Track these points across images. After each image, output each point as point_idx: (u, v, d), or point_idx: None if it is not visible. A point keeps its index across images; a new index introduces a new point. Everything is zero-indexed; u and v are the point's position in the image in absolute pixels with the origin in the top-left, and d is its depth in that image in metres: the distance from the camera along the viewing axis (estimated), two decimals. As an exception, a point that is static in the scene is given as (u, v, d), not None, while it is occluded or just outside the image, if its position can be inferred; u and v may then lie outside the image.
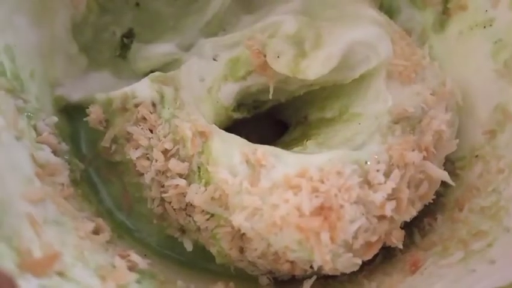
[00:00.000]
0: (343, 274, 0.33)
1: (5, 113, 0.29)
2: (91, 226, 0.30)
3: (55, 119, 0.35)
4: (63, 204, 0.29)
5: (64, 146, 0.35)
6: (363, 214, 0.31)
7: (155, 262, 0.34)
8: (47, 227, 0.26)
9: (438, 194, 0.36)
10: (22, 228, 0.24)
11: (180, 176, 0.33)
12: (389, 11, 0.42)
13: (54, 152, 0.33)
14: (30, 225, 0.25)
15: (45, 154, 0.31)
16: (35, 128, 0.32)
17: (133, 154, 0.34)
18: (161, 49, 0.39)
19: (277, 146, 0.39)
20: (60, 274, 0.24)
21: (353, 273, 0.33)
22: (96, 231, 0.31)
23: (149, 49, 0.39)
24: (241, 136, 0.35)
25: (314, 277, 0.33)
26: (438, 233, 0.34)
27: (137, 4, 0.41)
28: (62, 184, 0.31)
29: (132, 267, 0.29)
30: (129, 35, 0.41)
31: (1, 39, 0.31)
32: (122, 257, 0.30)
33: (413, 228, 0.36)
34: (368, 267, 0.34)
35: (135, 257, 0.31)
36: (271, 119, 0.44)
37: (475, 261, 0.29)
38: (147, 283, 0.30)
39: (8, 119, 0.29)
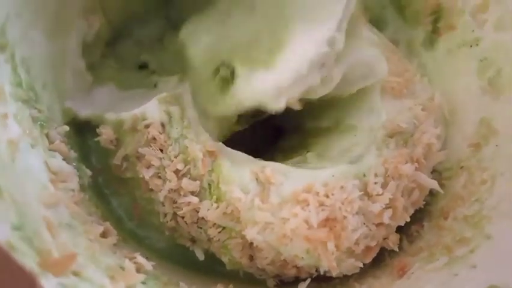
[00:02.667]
0: (336, 277, 0.35)
1: (21, 122, 0.31)
2: (99, 229, 0.32)
3: (66, 127, 0.37)
4: (74, 208, 0.31)
5: (73, 154, 0.37)
6: (364, 223, 0.34)
7: (158, 265, 0.35)
8: (61, 229, 0.28)
9: (425, 203, 0.38)
10: (41, 230, 0.26)
11: (192, 193, 0.35)
12: (378, 24, 0.44)
13: (65, 159, 0.35)
14: (47, 227, 0.27)
15: (58, 161, 0.33)
16: (47, 136, 0.34)
17: (146, 173, 0.36)
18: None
19: (276, 153, 0.41)
20: (76, 274, 0.25)
21: (345, 276, 0.35)
22: (104, 235, 0.33)
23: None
24: (236, 142, 0.37)
25: (308, 280, 0.35)
26: (425, 240, 0.37)
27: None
28: (73, 190, 0.33)
29: (138, 269, 0.31)
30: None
31: (18, 52, 0.33)
32: (130, 259, 0.32)
33: (402, 235, 0.38)
34: (359, 271, 0.36)
35: (140, 259, 0.33)
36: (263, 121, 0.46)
37: (458, 266, 0.31)
38: (152, 284, 0.32)
39: (24, 128, 0.31)
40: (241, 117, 0.41)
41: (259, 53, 0.33)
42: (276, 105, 0.33)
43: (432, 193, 0.38)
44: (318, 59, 0.32)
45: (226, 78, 0.34)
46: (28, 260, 0.23)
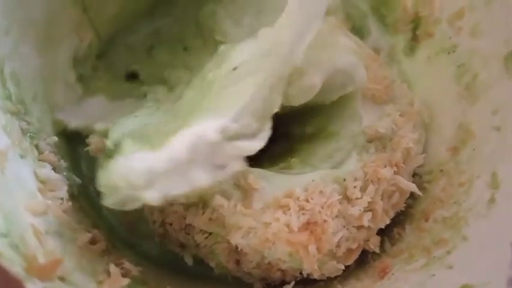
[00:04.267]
0: (320, 280, 0.36)
1: (11, 133, 0.32)
2: (88, 237, 0.33)
3: (55, 138, 0.38)
4: (62, 216, 0.32)
5: (63, 163, 0.38)
6: (344, 226, 0.35)
7: (148, 270, 0.36)
8: (49, 236, 0.29)
9: (407, 206, 0.39)
10: (27, 237, 0.27)
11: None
12: (360, 32, 0.46)
13: (54, 169, 0.36)
14: (34, 234, 0.28)
15: (47, 171, 0.34)
16: (37, 147, 0.35)
17: None
18: None
19: (263, 159, 0.42)
20: (62, 279, 0.27)
21: (329, 278, 0.36)
22: (93, 242, 0.34)
23: None
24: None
25: (293, 283, 0.36)
26: (406, 242, 0.38)
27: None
28: (62, 198, 0.34)
29: (125, 274, 0.32)
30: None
31: (8, 67, 0.34)
32: (117, 264, 0.33)
33: (384, 237, 0.39)
34: (343, 274, 0.37)
35: (128, 264, 0.34)
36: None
37: (436, 266, 0.32)
38: None
39: (14, 139, 0.32)
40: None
41: (156, 136, 0.31)
42: (149, 195, 0.28)
43: (414, 196, 0.39)
44: (200, 147, 0.29)
45: (110, 151, 0.31)
46: (15, 266, 0.24)
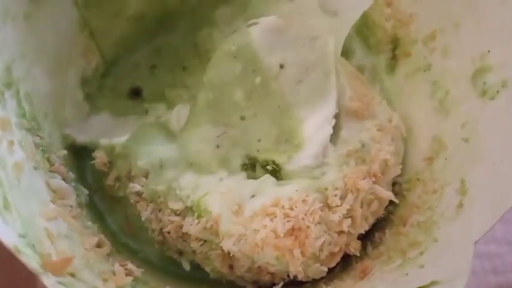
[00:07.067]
0: (306, 281, 0.39)
1: (25, 147, 0.35)
2: (94, 240, 0.37)
3: (64, 152, 0.41)
4: (72, 222, 0.36)
5: (71, 175, 0.41)
6: (325, 232, 0.37)
7: (149, 273, 0.39)
8: (60, 239, 0.33)
9: (388, 213, 0.42)
10: (42, 239, 0.30)
11: (176, 212, 0.39)
12: (345, 52, 0.49)
13: (64, 180, 0.39)
14: (48, 237, 0.31)
15: (57, 181, 0.38)
16: (48, 159, 0.39)
17: (133, 197, 0.41)
18: None
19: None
20: (72, 275, 0.30)
21: (315, 280, 0.39)
22: (99, 245, 0.37)
23: None
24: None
25: (281, 283, 0.39)
26: (386, 245, 0.40)
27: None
28: (71, 206, 0.38)
29: (128, 274, 0.35)
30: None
31: (22, 88, 0.38)
32: (121, 265, 0.36)
33: (367, 241, 0.41)
34: (328, 275, 0.39)
35: (131, 266, 0.37)
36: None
37: (409, 266, 0.35)
38: (140, 287, 0.36)
39: (28, 153, 0.35)
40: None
41: (283, 145, 0.41)
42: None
43: (394, 203, 0.42)
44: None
45: (275, 170, 0.40)
46: (32, 262, 0.28)
